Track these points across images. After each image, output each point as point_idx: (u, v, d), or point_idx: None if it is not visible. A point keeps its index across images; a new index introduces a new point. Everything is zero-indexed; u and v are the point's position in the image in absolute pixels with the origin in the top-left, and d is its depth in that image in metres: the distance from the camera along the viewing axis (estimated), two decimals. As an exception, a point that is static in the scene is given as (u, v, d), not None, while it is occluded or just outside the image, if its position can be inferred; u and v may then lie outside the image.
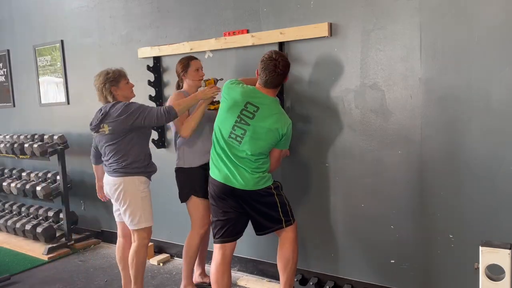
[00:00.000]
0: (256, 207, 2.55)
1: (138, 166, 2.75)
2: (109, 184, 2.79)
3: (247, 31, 3.08)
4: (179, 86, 3.05)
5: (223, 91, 2.58)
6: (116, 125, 2.67)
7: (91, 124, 2.77)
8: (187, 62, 2.94)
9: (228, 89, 2.55)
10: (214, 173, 2.55)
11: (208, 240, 3.20)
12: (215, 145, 2.56)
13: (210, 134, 2.86)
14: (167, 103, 2.88)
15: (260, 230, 2.63)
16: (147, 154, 2.84)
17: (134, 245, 2.84)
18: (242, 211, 2.57)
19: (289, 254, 2.61)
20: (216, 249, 2.59)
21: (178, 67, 2.97)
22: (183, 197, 2.95)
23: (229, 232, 2.57)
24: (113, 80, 2.77)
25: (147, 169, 2.81)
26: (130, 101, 2.79)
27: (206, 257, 3.24)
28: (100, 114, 2.73)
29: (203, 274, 3.24)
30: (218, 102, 2.77)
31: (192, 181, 2.90)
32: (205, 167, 2.84)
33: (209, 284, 3.18)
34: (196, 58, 2.99)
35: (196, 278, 3.22)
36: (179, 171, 2.95)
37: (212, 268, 2.59)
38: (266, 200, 2.54)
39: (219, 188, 2.53)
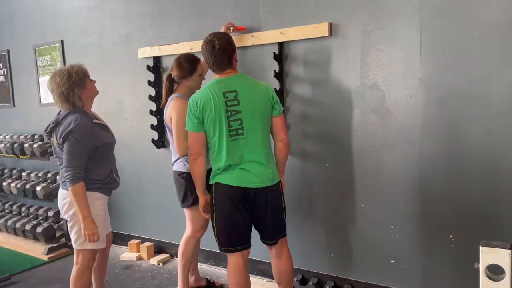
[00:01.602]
0: (266, 209, 2.38)
1: (93, 180, 2.42)
2: (59, 197, 2.51)
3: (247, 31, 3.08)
4: (171, 84, 2.82)
5: (193, 111, 2.33)
6: (61, 143, 2.39)
7: (45, 129, 2.48)
8: (193, 66, 2.74)
9: (197, 103, 2.32)
10: (223, 179, 2.35)
11: (199, 242, 3.17)
12: (218, 155, 2.35)
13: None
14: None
15: (267, 238, 2.47)
16: (107, 168, 2.52)
17: (76, 267, 2.49)
18: (251, 218, 2.41)
19: (289, 267, 2.53)
20: (234, 256, 2.40)
21: (180, 69, 2.74)
22: (190, 203, 2.78)
23: (246, 238, 2.41)
24: (80, 83, 2.44)
25: (104, 185, 2.48)
26: (79, 124, 2.36)
27: (198, 258, 3.20)
28: (52, 122, 2.44)
29: (198, 277, 3.19)
30: None
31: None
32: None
33: (205, 287, 3.18)
34: (200, 59, 2.82)
35: (192, 283, 3.14)
36: (185, 176, 2.77)
37: (233, 275, 2.42)
38: (277, 199, 2.41)
39: (229, 192, 2.34)
